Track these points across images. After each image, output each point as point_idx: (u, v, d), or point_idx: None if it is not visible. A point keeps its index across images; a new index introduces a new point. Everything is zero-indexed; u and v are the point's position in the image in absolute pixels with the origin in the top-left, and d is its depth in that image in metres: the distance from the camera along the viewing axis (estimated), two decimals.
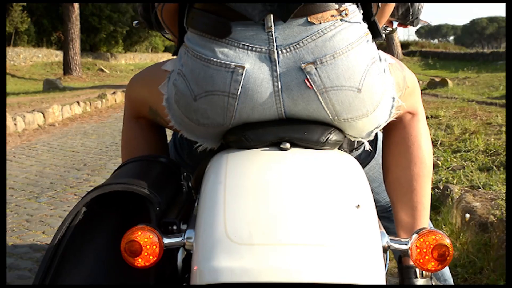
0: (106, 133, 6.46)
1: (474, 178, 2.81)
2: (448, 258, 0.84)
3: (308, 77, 0.93)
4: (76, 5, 16.87)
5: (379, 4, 1.06)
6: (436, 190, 2.75)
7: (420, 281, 1.09)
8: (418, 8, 1.43)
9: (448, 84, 10.47)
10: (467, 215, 2.20)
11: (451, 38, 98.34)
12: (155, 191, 0.91)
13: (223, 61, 0.94)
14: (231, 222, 0.75)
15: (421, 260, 0.84)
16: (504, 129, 4.25)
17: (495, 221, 2.04)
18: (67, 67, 17.28)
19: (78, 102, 8.67)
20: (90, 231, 0.89)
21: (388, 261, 1.07)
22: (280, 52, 0.94)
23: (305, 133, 0.95)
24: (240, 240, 0.73)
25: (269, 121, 0.97)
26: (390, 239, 0.86)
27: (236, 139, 0.97)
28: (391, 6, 1.14)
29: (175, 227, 0.87)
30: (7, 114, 6.34)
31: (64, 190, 3.70)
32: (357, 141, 1.10)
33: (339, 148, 1.02)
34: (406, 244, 0.86)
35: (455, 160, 3.34)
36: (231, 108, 0.96)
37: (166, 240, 0.81)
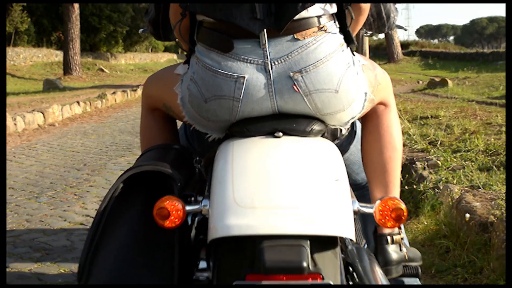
0: (106, 133, 6.46)
1: (474, 178, 2.81)
2: (403, 218, 1.05)
3: (296, 83, 1.17)
4: (76, 5, 16.87)
5: (353, 16, 1.25)
6: (436, 190, 2.75)
7: (391, 247, 1.41)
8: (393, 17, 1.61)
9: (448, 84, 10.47)
10: (467, 215, 2.20)
11: (451, 38, 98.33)
12: (175, 171, 1.14)
13: (228, 72, 1.17)
14: (238, 192, 0.99)
15: (382, 220, 1.06)
16: (504, 129, 4.25)
17: (495, 221, 2.04)
18: (67, 67, 17.28)
19: (78, 102, 8.67)
20: (124, 204, 1.14)
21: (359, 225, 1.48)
22: (273, 63, 1.16)
23: (294, 125, 1.19)
24: (245, 204, 0.97)
25: (265, 115, 1.21)
26: (360, 205, 1.08)
27: (240, 130, 1.21)
28: (364, 17, 1.35)
29: (193, 198, 1.11)
30: (7, 114, 6.34)
31: (64, 190, 3.70)
32: (339, 131, 1.32)
33: (322, 136, 1.24)
34: (371, 209, 1.07)
35: (455, 160, 3.34)
36: (235, 109, 1.20)
37: (188, 207, 1.04)
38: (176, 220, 1.03)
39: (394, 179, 1.42)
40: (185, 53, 1.32)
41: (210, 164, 1.22)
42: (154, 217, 1.03)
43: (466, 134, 4.11)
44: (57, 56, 21.64)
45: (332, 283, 0.94)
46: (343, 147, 1.48)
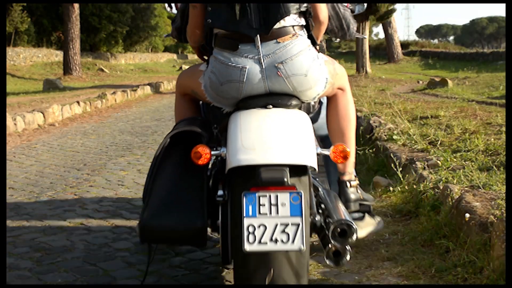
0: (106, 133, 6.46)
1: (474, 178, 2.81)
2: (347, 157, 1.67)
3: (279, 70, 1.79)
4: (76, 5, 16.87)
5: (313, 24, 1.90)
6: (436, 190, 2.75)
7: (350, 189, 2.10)
8: (352, 27, 2.23)
9: (448, 84, 10.47)
10: (467, 215, 2.20)
11: (451, 38, 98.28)
12: (202, 131, 1.78)
13: (235, 64, 1.80)
14: (244, 140, 1.60)
15: (335, 158, 1.66)
16: (504, 129, 4.25)
17: (495, 221, 2.04)
18: (67, 67, 17.28)
19: (78, 102, 8.67)
20: (170, 152, 1.79)
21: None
22: (264, 58, 1.80)
23: (279, 100, 1.81)
24: (248, 147, 1.58)
25: (260, 94, 1.82)
26: (321, 150, 1.69)
27: (244, 105, 1.82)
28: (324, 26, 1.95)
29: (215, 148, 1.67)
30: (7, 114, 6.34)
31: (64, 190, 3.70)
32: (311, 107, 2.05)
33: (299, 109, 1.86)
34: (328, 151, 1.68)
35: (455, 160, 3.34)
36: (241, 89, 1.81)
37: (213, 152, 1.64)
38: (205, 159, 1.62)
39: (348, 140, 2.10)
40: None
41: (223, 129, 1.84)
42: (191, 158, 1.62)
43: (466, 134, 4.11)
44: (57, 56, 21.64)
45: (302, 193, 1.53)
46: (314, 118, 2.16)
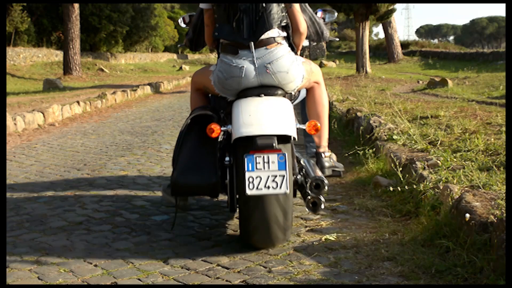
0: (106, 133, 6.46)
1: (474, 178, 2.81)
2: (318, 129, 2.35)
3: (268, 69, 2.45)
4: (76, 5, 16.88)
5: (294, 35, 2.60)
6: (436, 190, 2.75)
7: (325, 159, 2.77)
8: (325, 33, 3.00)
9: (448, 84, 10.47)
10: (467, 215, 2.20)
11: (451, 38, 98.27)
12: (213, 114, 2.51)
13: (236, 65, 2.46)
14: (243, 118, 2.26)
15: (309, 131, 2.35)
16: (504, 128, 4.25)
17: (495, 221, 2.04)
18: (67, 67, 17.28)
19: (78, 102, 8.67)
20: (191, 128, 2.48)
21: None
22: (256, 60, 2.46)
23: (269, 91, 2.45)
24: (247, 123, 2.24)
25: (254, 86, 2.47)
26: (299, 125, 2.36)
27: (243, 95, 2.46)
28: (303, 36, 2.64)
29: (223, 126, 2.35)
30: (7, 114, 6.34)
31: (64, 190, 3.70)
32: (293, 96, 2.71)
33: (283, 97, 2.50)
34: (304, 126, 2.36)
35: (455, 160, 3.34)
36: (240, 83, 2.46)
37: (222, 128, 2.32)
38: (217, 133, 2.29)
39: (322, 120, 2.79)
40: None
41: (228, 113, 2.51)
42: (206, 132, 2.29)
43: (466, 134, 4.11)
44: (57, 56, 21.64)
45: (286, 154, 2.19)
46: (295, 105, 2.80)
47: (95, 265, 2.33)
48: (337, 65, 25.10)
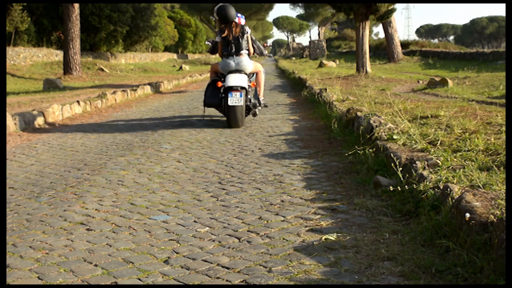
0: (106, 133, 6.46)
1: (474, 177, 2.81)
2: (254, 85, 7.19)
3: (239, 63, 6.95)
4: (76, 5, 16.86)
5: (250, 52, 7.22)
6: (436, 189, 2.75)
7: (260, 98, 7.14)
8: (263, 51, 7.65)
9: (448, 84, 10.46)
10: (467, 215, 2.20)
11: (451, 37, 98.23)
12: (220, 79, 7.05)
13: (228, 62, 7.01)
14: (229, 80, 6.69)
15: (252, 85, 7.16)
16: (504, 128, 4.25)
17: (495, 220, 2.04)
18: (67, 67, 17.27)
19: (78, 102, 8.67)
20: (211, 83, 7.04)
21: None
22: (235, 60, 6.98)
23: (238, 72, 6.86)
24: (230, 82, 6.68)
25: (233, 70, 6.93)
26: (248, 84, 6.90)
27: (229, 72, 6.90)
28: (251, 53, 7.29)
29: (223, 83, 6.84)
30: (7, 113, 6.34)
31: (64, 190, 3.70)
32: (250, 75, 7.21)
33: (245, 74, 6.89)
34: (250, 84, 7.05)
35: (455, 159, 3.34)
36: (229, 68, 6.94)
37: (223, 84, 6.80)
38: (220, 85, 6.72)
39: (259, 85, 7.20)
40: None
41: (224, 78, 6.74)
42: (216, 84, 6.78)
43: (466, 134, 4.11)
44: (57, 55, 21.64)
45: (243, 92, 6.60)
46: (251, 78, 7.17)
47: (95, 265, 2.33)
48: (337, 65, 25.11)
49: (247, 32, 6.91)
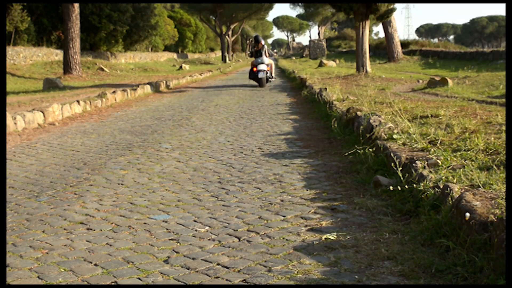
0: (106, 132, 6.46)
1: (474, 177, 2.81)
2: (269, 70, 15.01)
3: (263, 60, 15.18)
4: (76, 4, 16.86)
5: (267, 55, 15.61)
6: (436, 189, 2.75)
7: (273, 77, 15.82)
8: (273, 54, 17.53)
9: (448, 83, 10.45)
10: (467, 214, 2.20)
11: (451, 37, 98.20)
12: (256, 66, 15.41)
13: (257, 59, 15.47)
14: (258, 66, 14.95)
15: (267, 69, 15.11)
16: (504, 128, 4.25)
17: (495, 220, 2.04)
18: (67, 66, 17.27)
19: (78, 101, 8.67)
20: (251, 69, 15.41)
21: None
22: (260, 59, 15.29)
23: (262, 63, 15.00)
24: (258, 67, 14.90)
25: (260, 63, 15.11)
26: (266, 68, 14.95)
27: (258, 64, 15.28)
28: (268, 56, 15.41)
29: (257, 68, 15.19)
30: (7, 113, 6.34)
31: (64, 189, 3.70)
32: (267, 65, 15.12)
33: (266, 65, 15.14)
34: (267, 68, 15.02)
35: (455, 159, 3.34)
36: (258, 62, 15.21)
37: (256, 68, 15.07)
38: (255, 69, 14.64)
39: (271, 68, 15.22)
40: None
41: (255, 66, 15.04)
42: (253, 68, 14.77)
43: (466, 133, 4.11)
44: (57, 55, 21.63)
45: (266, 69, 14.72)
46: (268, 66, 15.07)
47: (95, 265, 2.33)
48: (337, 65, 25.12)
49: (265, 47, 14.83)
